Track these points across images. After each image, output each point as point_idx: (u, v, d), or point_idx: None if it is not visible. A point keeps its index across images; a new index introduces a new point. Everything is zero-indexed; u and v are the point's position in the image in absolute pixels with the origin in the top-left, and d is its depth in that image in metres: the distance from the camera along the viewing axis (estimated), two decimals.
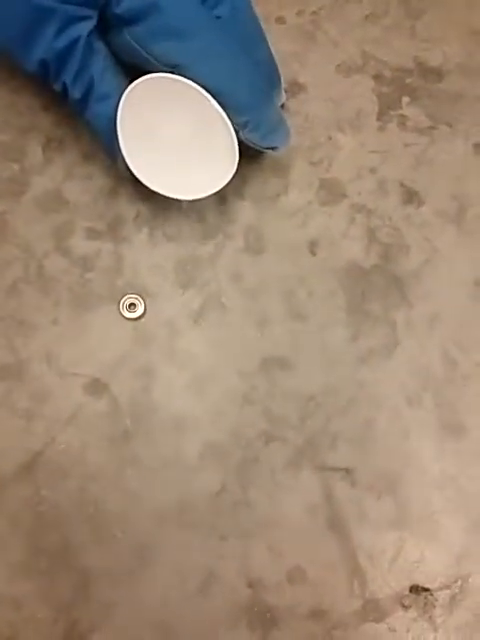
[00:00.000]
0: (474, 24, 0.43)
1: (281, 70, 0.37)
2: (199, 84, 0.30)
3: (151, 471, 0.34)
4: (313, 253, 0.38)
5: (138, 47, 0.30)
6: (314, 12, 0.43)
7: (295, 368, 0.36)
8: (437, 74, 0.42)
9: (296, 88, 0.41)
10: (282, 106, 0.39)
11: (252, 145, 0.34)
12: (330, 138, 0.40)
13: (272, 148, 0.35)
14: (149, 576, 0.34)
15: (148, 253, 0.37)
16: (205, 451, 0.35)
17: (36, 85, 0.38)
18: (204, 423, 0.35)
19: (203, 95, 0.31)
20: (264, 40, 0.35)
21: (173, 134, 0.32)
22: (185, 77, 0.30)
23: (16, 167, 0.38)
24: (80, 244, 0.37)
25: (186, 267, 0.37)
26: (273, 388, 0.36)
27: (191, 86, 0.30)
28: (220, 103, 0.31)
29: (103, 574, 0.34)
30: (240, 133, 0.33)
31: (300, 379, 0.36)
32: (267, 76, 0.36)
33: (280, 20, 0.42)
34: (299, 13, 0.42)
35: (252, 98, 0.32)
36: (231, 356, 0.36)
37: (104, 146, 0.34)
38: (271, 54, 0.36)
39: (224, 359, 0.36)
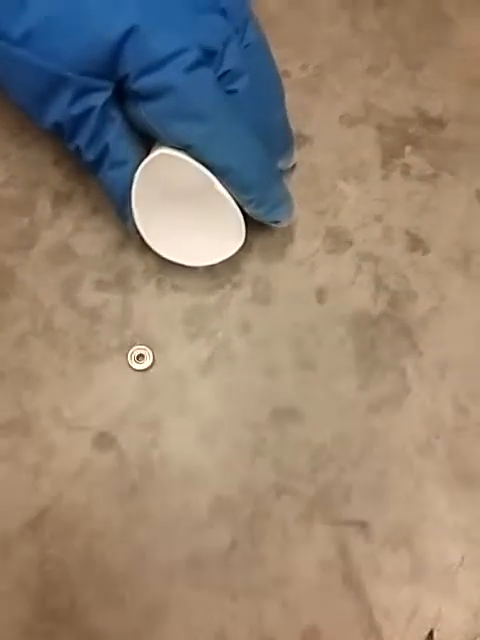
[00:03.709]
0: (471, 74, 0.44)
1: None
2: (208, 163, 0.31)
3: (160, 527, 0.34)
4: (321, 301, 0.38)
5: (151, 123, 0.30)
6: (317, 66, 0.44)
7: (305, 418, 0.36)
8: (438, 123, 0.43)
9: (301, 139, 0.42)
10: (293, 167, 0.40)
11: (256, 218, 0.35)
12: (335, 187, 0.41)
13: (275, 222, 0.36)
14: (158, 637, 0.33)
15: (156, 304, 0.37)
16: (215, 505, 0.34)
17: (47, 140, 0.39)
18: (214, 476, 0.34)
19: (210, 180, 0.31)
20: (281, 103, 0.36)
21: (183, 205, 0.33)
22: (196, 156, 0.31)
23: (26, 221, 0.38)
24: (88, 296, 0.37)
25: (194, 317, 0.37)
26: (283, 439, 0.35)
27: (199, 169, 0.31)
28: (227, 181, 0.32)
29: (111, 635, 0.33)
30: (245, 208, 0.33)
31: (311, 429, 0.36)
32: (280, 139, 0.36)
33: (285, 74, 0.43)
34: (303, 67, 0.43)
35: (259, 177, 0.33)
36: (240, 407, 0.36)
37: (115, 208, 0.34)
38: (286, 116, 0.36)
39: (233, 410, 0.35)
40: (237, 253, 0.37)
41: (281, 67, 0.43)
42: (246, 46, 0.33)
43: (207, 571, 0.33)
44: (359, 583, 0.33)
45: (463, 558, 0.34)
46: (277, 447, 0.35)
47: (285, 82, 0.42)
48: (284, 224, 0.36)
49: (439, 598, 0.34)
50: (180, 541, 0.33)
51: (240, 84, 0.32)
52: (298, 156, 0.41)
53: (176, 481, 0.34)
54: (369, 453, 0.35)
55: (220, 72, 0.31)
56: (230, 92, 0.32)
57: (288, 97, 0.41)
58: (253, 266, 0.38)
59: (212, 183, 0.31)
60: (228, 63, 0.31)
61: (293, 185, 0.40)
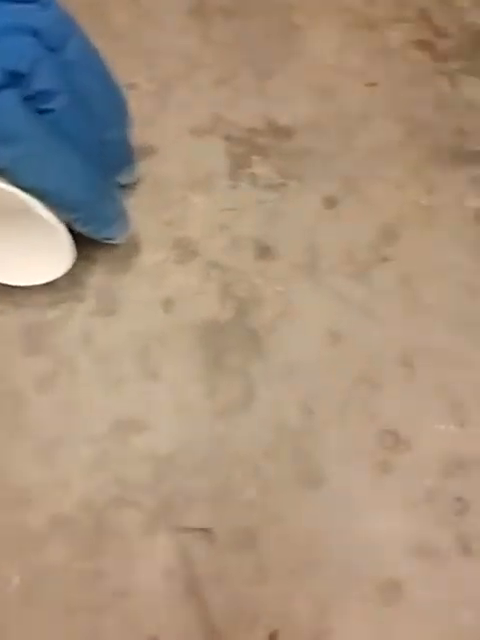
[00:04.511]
0: (320, 83, 0.45)
1: (134, 134, 0.38)
2: (25, 185, 0.31)
3: None
4: (168, 311, 0.38)
5: None
6: (165, 78, 0.44)
7: (149, 428, 0.36)
8: (286, 132, 0.44)
9: (148, 150, 0.42)
10: (136, 182, 0.40)
11: (87, 236, 0.35)
12: (182, 198, 0.41)
13: (108, 239, 0.36)
14: None
15: None
16: (53, 523, 0.34)
17: None
18: (52, 494, 0.34)
19: (26, 203, 0.31)
20: (119, 119, 0.36)
21: (6, 228, 0.33)
22: (11, 179, 0.30)
23: None
24: None
25: (34, 333, 0.37)
26: (125, 451, 0.35)
27: (13, 193, 0.31)
28: (48, 202, 0.31)
29: None
30: (72, 226, 0.33)
31: (154, 439, 0.36)
32: (117, 155, 0.36)
33: (132, 86, 0.43)
34: (150, 79, 0.44)
35: (83, 196, 0.32)
36: (81, 422, 0.35)
37: None
38: (125, 131, 0.36)
39: (73, 426, 0.35)
40: (79, 266, 0.37)
41: (128, 79, 0.43)
42: (66, 64, 0.32)
43: (44, 589, 0.33)
44: (202, 590, 0.34)
45: (306, 561, 0.35)
46: (119, 460, 0.35)
47: (132, 94, 0.42)
48: (118, 240, 0.37)
49: (283, 600, 0.34)
50: (16, 560, 0.33)
51: (56, 103, 0.31)
52: (144, 167, 0.41)
53: (11, 501, 0.34)
54: (214, 460, 0.36)
55: (30, 93, 0.31)
56: (45, 112, 0.31)
57: (134, 109, 0.41)
58: (97, 279, 0.38)
59: (30, 207, 0.31)
60: (39, 83, 0.31)
61: (139, 196, 0.40)
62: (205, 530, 0.35)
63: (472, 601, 0.34)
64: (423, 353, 0.39)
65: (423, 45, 0.48)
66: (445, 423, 0.38)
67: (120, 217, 0.35)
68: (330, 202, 0.42)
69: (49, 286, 0.37)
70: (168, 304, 0.39)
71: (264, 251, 0.41)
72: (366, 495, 0.36)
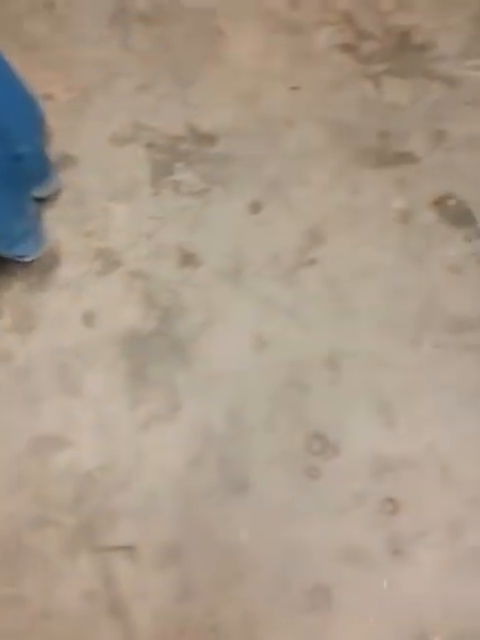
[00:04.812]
0: (242, 88, 0.45)
1: (52, 145, 0.37)
2: None
3: None
4: (89, 324, 0.38)
5: None
6: (84, 87, 0.44)
7: (70, 445, 0.35)
8: (209, 139, 0.43)
9: (68, 161, 0.41)
10: (56, 194, 0.39)
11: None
12: (104, 208, 0.41)
13: (20, 256, 0.35)
14: None
15: None
16: None
17: None
18: None
19: None
20: (32, 133, 0.35)
21: None
22: None
23: None
24: None
25: None
26: (46, 470, 0.34)
27: None
28: None
29: None
30: None
31: (76, 456, 0.35)
32: (31, 169, 0.36)
33: (49, 97, 0.43)
34: (68, 89, 0.43)
35: None
36: None
37: None
38: (40, 144, 0.36)
39: None
40: None
41: (45, 90, 0.43)
42: None
43: None
44: (126, 610, 0.33)
45: (234, 572, 0.34)
46: (39, 478, 0.34)
47: (49, 106, 0.41)
48: (31, 258, 0.36)
49: (210, 615, 0.34)
50: None
51: None
52: (64, 179, 0.40)
53: None
54: (137, 474, 0.35)
55: None
56: None
57: (52, 120, 0.40)
58: (14, 294, 0.37)
59: None
60: None
61: (59, 208, 0.40)
62: (128, 548, 0.34)
63: (402, 604, 0.34)
64: (350, 355, 0.39)
65: (347, 48, 0.47)
66: (373, 425, 0.37)
67: (30, 234, 0.35)
68: (255, 207, 0.42)
69: None
70: (89, 317, 0.38)
71: (188, 258, 0.40)
72: (294, 501, 0.36)
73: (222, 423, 0.37)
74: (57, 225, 0.39)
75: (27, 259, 0.35)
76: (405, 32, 0.49)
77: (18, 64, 0.35)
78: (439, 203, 0.43)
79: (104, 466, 0.35)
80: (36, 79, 0.41)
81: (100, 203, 0.41)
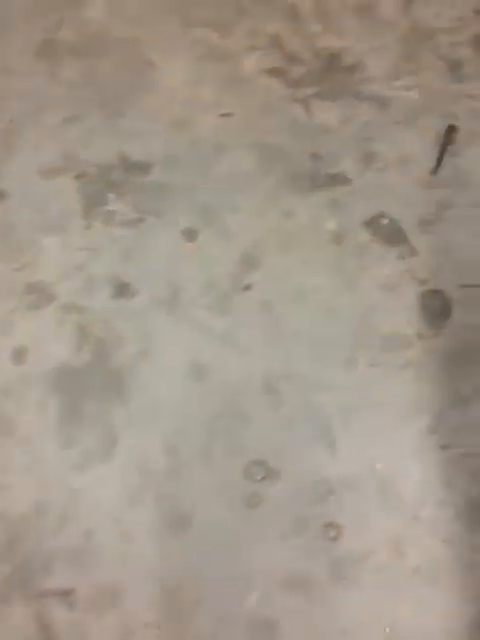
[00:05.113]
0: (174, 116, 0.45)
1: None
2: None
3: None
4: (18, 362, 0.37)
5: None
6: (12, 120, 0.43)
7: (1, 488, 0.34)
8: (141, 167, 0.43)
9: None
10: None
11: None
12: (34, 242, 0.40)
13: None
14: None
15: None
16: None
17: None
18: None
19: None
20: None
21: None
22: None
23: None
24: None
25: None
26: None
27: None
28: None
29: None
30: None
31: (7, 501, 0.34)
32: None
33: None
34: None
35: None
36: None
37: None
38: None
39: None
40: None
41: None
42: None
43: None
44: None
45: (176, 610, 0.33)
46: None
47: None
48: None
49: None
50: None
51: None
52: None
53: None
54: (72, 516, 0.34)
55: None
56: None
57: None
58: None
59: None
60: None
61: None
62: (65, 592, 0.33)
63: (347, 630, 0.33)
64: (287, 379, 0.38)
65: (276, 72, 0.48)
66: (313, 448, 0.37)
67: None
68: (189, 235, 0.42)
69: None
70: (19, 354, 0.37)
71: (122, 289, 0.40)
72: (236, 533, 0.35)
73: (160, 457, 0.36)
74: None
75: None
76: (334, 54, 0.50)
77: None
78: (372, 223, 0.44)
79: (37, 509, 0.34)
80: None
81: (31, 236, 0.40)
